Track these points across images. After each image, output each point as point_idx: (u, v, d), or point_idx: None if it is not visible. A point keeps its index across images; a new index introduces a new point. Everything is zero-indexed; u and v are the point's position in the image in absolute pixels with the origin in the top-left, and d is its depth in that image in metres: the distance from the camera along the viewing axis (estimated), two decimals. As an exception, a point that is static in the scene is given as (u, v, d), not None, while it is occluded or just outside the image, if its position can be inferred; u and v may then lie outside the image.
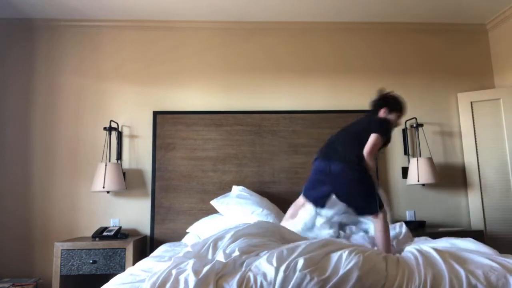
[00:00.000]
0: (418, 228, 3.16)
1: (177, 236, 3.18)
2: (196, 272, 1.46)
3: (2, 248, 3.23)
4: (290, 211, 2.56)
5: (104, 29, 3.58)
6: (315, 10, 3.47)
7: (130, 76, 3.54)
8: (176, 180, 3.33)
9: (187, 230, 3.05)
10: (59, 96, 3.46)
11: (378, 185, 2.37)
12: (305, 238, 2.15)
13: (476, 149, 3.50)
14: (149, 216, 3.33)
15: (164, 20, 3.58)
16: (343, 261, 1.54)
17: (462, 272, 1.53)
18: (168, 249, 2.60)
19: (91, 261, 2.81)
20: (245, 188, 3.12)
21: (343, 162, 2.25)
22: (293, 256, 1.54)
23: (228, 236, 1.79)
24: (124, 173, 3.36)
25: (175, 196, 3.30)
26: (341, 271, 1.47)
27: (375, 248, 2.04)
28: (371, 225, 2.41)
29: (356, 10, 3.49)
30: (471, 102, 3.57)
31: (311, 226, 2.43)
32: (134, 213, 3.35)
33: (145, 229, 3.34)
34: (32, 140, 3.38)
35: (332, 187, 2.29)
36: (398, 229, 2.47)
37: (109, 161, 3.33)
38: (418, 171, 3.27)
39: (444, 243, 2.04)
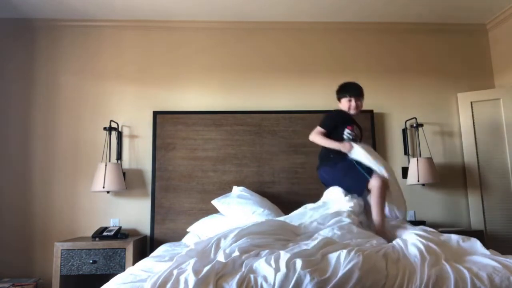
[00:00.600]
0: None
1: (177, 236, 3.18)
2: (196, 272, 1.46)
3: (2, 248, 3.23)
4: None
5: (104, 29, 3.58)
6: (315, 10, 3.47)
7: (130, 76, 3.54)
8: (176, 180, 3.33)
9: (187, 230, 3.05)
10: (59, 96, 3.46)
11: (362, 147, 2.41)
12: (317, 231, 2.14)
13: (476, 149, 3.50)
14: (149, 216, 3.33)
15: (164, 20, 3.58)
16: (343, 261, 1.53)
17: (466, 273, 1.52)
18: (168, 249, 2.59)
19: (91, 261, 2.81)
20: (246, 189, 3.12)
21: (321, 162, 2.60)
22: (292, 256, 1.54)
23: (231, 235, 1.80)
24: (124, 173, 3.36)
25: (175, 196, 3.30)
26: (341, 271, 1.47)
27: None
28: None
29: (355, 10, 3.49)
30: (471, 102, 3.57)
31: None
32: (134, 213, 3.35)
33: (145, 229, 3.34)
34: (32, 140, 3.38)
35: (334, 184, 2.50)
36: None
37: (109, 161, 3.33)
38: (418, 171, 3.27)
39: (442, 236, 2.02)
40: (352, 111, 2.58)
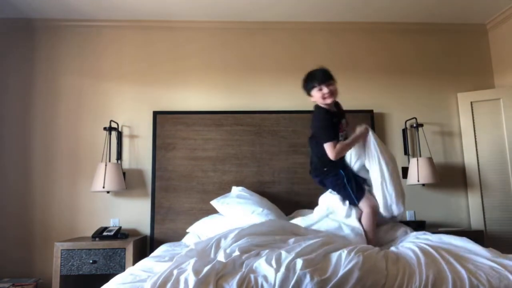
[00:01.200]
0: (418, 228, 3.15)
1: (177, 236, 3.18)
2: (196, 272, 1.46)
3: (2, 248, 3.23)
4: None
5: (104, 29, 3.58)
6: (315, 10, 3.47)
7: (130, 76, 3.54)
8: (176, 180, 3.32)
9: (187, 230, 3.05)
10: (59, 96, 3.46)
11: (375, 138, 2.34)
12: (318, 232, 2.14)
13: (476, 149, 3.50)
14: (149, 216, 3.33)
15: (164, 20, 3.58)
16: (343, 260, 1.53)
17: (464, 273, 1.52)
18: (168, 249, 2.59)
19: (91, 261, 2.81)
20: (245, 189, 3.12)
21: (314, 171, 2.49)
22: (292, 256, 1.54)
23: (231, 235, 1.80)
24: (124, 173, 3.36)
25: (175, 196, 3.30)
26: (341, 271, 1.47)
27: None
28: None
29: (355, 10, 3.49)
30: (471, 102, 3.57)
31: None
32: (134, 213, 3.35)
33: (145, 229, 3.34)
34: (32, 140, 3.38)
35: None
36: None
37: (109, 161, 3.33)
38: (418, 171, 3.27)
39: (437, 238, 2.03)
40: (328, 100, 2.32)
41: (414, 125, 3.52)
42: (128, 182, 3.37)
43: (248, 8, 3.42)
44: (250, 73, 3.60)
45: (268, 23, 3.65)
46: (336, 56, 3.67)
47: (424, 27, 3.74)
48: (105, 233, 3.00)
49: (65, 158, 3.38)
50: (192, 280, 1.41)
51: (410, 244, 1.90)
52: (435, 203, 3.50)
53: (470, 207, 3.48)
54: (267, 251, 1.65)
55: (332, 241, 1.81)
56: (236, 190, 3.10)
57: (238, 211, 2.83)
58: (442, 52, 3.75)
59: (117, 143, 3.41)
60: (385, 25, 3.72)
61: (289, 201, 3.28)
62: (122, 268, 2.79)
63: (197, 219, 3.12)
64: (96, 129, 3.42)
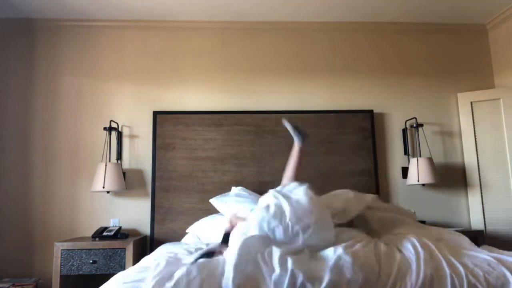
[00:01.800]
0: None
1: (177, 236, 3.18)
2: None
3: (2, 248, 3.23)
4: None
5: (104, 29, 3.58)
6: (315, 10, 3.47)
7: (130, 76, 3.54)
8: (176, 180, 3.32)
9: (187, 230, 3.05)
10: (59, 96, 3.46)
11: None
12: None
13: (476, 149, 3.50)
14: (149, 216, 3.33)
15: (164, 20, 3.58)
16: (335, 259, 1.52)
17: (462, 271, 1.51)
18: (168, 249, 2.59)
19: (91, 261, 2.81)
20: (244, 188, 3.12)
21: None
22: (284, 253, 1.53)
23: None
24: (124, 173, 3.36)
25: (175, 196, 3.30)
26: (331, 270, 1.46)
27: None
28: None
29: (355, 10, 3.49)
30: (471, 102, 3.57)
31: None
32: (134, 213, 3.35)
33: (145, 229, 3.34)
34: (32, 140, 3.38)
35: None
36: None
37: (109, 161, 3.33)
38: (418, 171, 3.27)
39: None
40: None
41: (414, 125, 3.52)
42: (128, 182, 3.37)
43: (247, 8, 3.42)
44: (250, 73, 3.60)
45: (268, 23, 3.65)
46: (335, 56, 3.67)
47: (424, 27, 3.74)
48: (105, 233, 3.00)
49: (65, 158, 3.38)
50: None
51: (411, 236, 1.86)
52: (435, 203, 3.50)
53: (470, 207, 3.48)
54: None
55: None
56: (235, 189, 3.11)
57: (236, 210, 2.83)
58: (442, 52, 3.75)
59: (117, 143, 3.41)
60: (385, 25, 3.72)
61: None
62: (122, 268, 2.79)
63: (197, 219, 3.12)
64: (96, 129, 3.42)
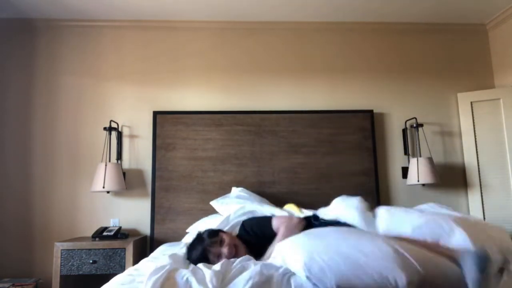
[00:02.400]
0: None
1: (177, 236, 3.18)
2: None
3: (2, 248, 3.24)
4: None
5: (104, 29, 3.58)
6: (315, 10, 3.47)
7: (130, 76, 3.54)
8: (176, 180, 3.33)
9: (187, 230, 3.05)
10: (59, 96, 3.46)
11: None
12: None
13: (476, 149, 3.50)
14: (149, 216, 3.33)
15: (164, 20, 3.58)
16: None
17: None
18: (168, 249, 2.59)
19: (91, 261, 2.82)
20: (245, 189, 3.12)
21: None
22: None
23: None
24: (124, 173, 3.36)
25: (175, 196, 3.30)
26: None
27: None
28: None
29: (355, 10, 3.49)
30: (471, 102, 3.57)
31: None
32: (134, 213, 3.35)
33: (145, 229, 3.34)
34: (32, 140, 3.38)
35: None
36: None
37: (109, 161, 3.33)
38: (418, 171, 3.27)
39: None
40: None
41: (414, 125, 3.52)
42: (128, 182, 3.37)
43: (247, 8, 3.42)
44: (250, 73, 3.60)
45: (268, 23, 3.65)
46: (335, 56, 3.67)
47: (424, 27, 3.74)
48: (105, 233, 3.00)
49: (65, 158, 3.38)
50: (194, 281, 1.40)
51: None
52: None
53: (470, 207, 3.48)
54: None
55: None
56: (235, 190, 3.11)
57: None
58: (442, 52, 3.75)
59: (117, 143, 3.41)
60: (385, 26, 3.72)
61: (289, 201, 3.27)
62: (122, 268, 2.79)
63: (197, 219, 3.12)
64: (96, 129, 3.42)
